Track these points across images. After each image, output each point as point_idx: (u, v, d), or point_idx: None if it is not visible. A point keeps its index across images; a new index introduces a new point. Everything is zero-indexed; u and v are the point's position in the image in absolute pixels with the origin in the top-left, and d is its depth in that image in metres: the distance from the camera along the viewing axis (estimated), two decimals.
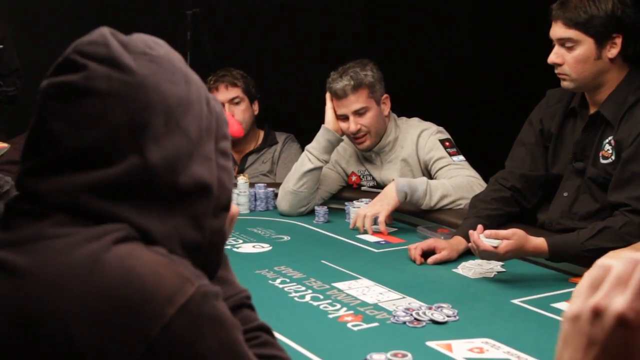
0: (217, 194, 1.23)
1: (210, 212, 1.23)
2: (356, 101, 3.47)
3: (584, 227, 2.64)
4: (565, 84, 2.79)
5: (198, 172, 1.20)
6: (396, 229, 3.30)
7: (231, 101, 4.00)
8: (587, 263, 2.52)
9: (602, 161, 2.76)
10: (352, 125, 3.49)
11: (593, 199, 2.80)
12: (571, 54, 2.72)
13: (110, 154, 1.14)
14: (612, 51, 2.70)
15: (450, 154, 3.46)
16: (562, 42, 2.73)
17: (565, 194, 2.88)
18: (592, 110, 2.83)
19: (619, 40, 2.68)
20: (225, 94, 4.00)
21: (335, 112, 3.52)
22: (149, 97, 1.16)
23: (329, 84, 3.51)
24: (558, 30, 2.74)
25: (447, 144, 3.50)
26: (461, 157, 3.47)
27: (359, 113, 3.48)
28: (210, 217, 1.23)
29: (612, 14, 2.66)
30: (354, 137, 3.55)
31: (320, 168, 3.54)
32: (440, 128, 3.60)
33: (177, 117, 1.19)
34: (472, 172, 3.40)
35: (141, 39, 1.23)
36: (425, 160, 3.50)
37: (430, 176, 3.47)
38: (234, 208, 1.34)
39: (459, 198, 3.28)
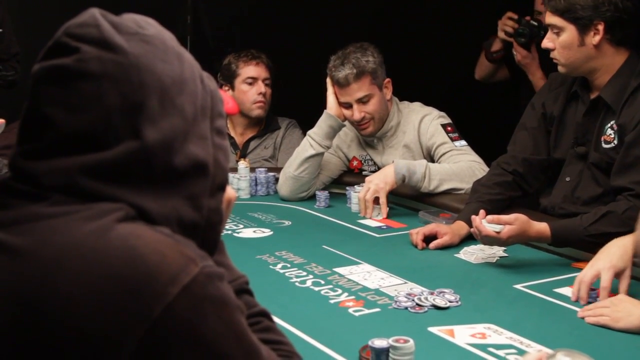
0: (213, 173, 1.23)
1: (207, 192, 1.22)
2: (359, 89, 3.44)
3: (587, 212, 2.62)
4: (559, 68, 2.81)
5: (194, 152, 1.19)
6: (390, 216, 3.27)
7: (264, 80, 4.06)
8: (590, 248, 2.53)
9: (604, 146, 2.74)
10: (356, 113, 3.46)
11: (596, 184, 2.79)
12: (558, 39, 2.73)
13: (106, 136, 1.13)
14: (596, 38, 2.69)
15: (453, 139, 3.43)
16: (551, 28, 2.75)
17: (568, 179, 2.87)
18: (593, 95, 2.81)
19: (601, 27, 2.67)
20: (264, 72, 4.07)
21: (337, 97, 3.50)
22: (143, 78, 1.15)
23: (330, 71, 3.48)
24: (547, 17, 2.77)
25: (449, 128, 3.48)
26: (463, 142, 3.44)
27: (362, 101, 3.45)
28: (207, 196, 1.22)
29: (593, 1, 2.65)
30: (358, 124, 3.52)
31: (321, 154, 3.52)
32: (442, 113, 3.57)
33: (172, 97, 1.17)
34: (474, 157, 3.38)
35: (132, 19, 1.21)
36: (428, 146, 3.48)
37: (433, 162, 3.45)
38: (231, 192, 1.33)
39: (459, 183, 3.26)
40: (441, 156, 3.42)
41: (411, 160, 3.34)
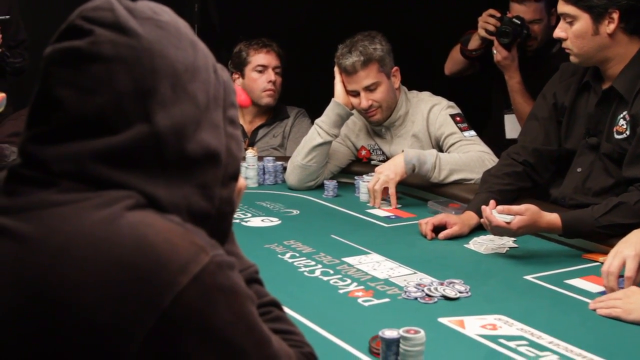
0: (226, 163, 1.21)
1: (219, 181, 1.21)
2: (366, 77, 3.42)
3: (598, 203, 2.60)
4: (571, 58, 2.78)
5: (206, 140, 1.18)
6: (401, 206, 3.26)
7: (274, 69, 4.04)
8: (602, 239, 2.52)
9: (616, 136, 2.72)
10: (364, 101, 3.44)
11: (607, 175, 2.77)
12: (571, 29, 2.70)
13: (117, 120, 1.11)
14: (610, 26, 2.66)
15: (462, 129, 3.41)
16: (564, 17, 2.72)
17: (579, 170, 2.85)
18: (605, 85, 2.79)
19: (616, 16, 2.65)
20: (274, 60, 4.05)
21: (344, 86, 3.48)
22: (156, 62, 1.13)
23: (337, 59, 3.46)
24: (559, 6, 2.74)
25: (458, 119, 3.46)
26: (472, 133, 3.43)
27: (369, 89, 3.44)
28: (219, 186, 1.21)
29: None
30: (365, 112, 3.50)
31: (329, 142, 3.51)
32: (451, 103, 3.55)
33: (184, 83, 1.16)
34: (483, 148, 3.36)
35: (146, 5, 1.20)
36: (437, 136, 3.46)
37: (441, 152, 3.43)
38: (241, 181, 1.32)
39: (469, 173, 3.25)
40: (450, 146, 3.40)
41: (421, 150, 3.32)
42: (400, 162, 3.22)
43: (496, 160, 3.21)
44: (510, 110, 3.92)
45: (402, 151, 3.28)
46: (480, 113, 3.56)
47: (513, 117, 3.92)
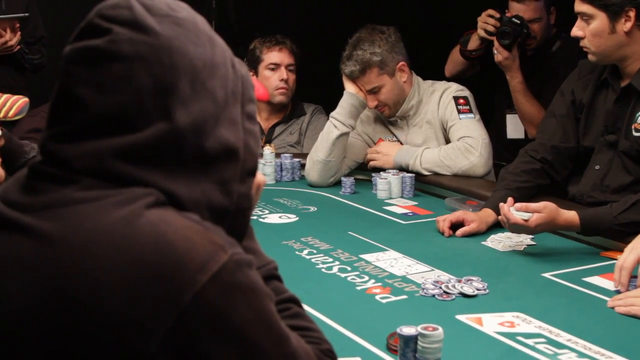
0: (244, 158, 1.22)
1: (237, 177, 1.21)
2: (368, 82, 3.46)
3: (616, 201, 2.59)
4: (589, 56, 2.78)
5: (225, 136, 1.18)
6: (417, 203, 3.27)
7: (287, 67, 4.04)
8: (620, 237, 2.51)
9: (635, 134, 2.71)
10: (370, 102, 3.51)
11: (626, 172, 2.75)
12: (588, 28, 2.69)
13: (137, 118, 1.12)
14: (627, 25, 2.65)
15: (460, 112, 3.46)
16: (581, 16, 2.71)
17: (597, 167, 2.83)
18: (624, 82, 2.78)
19: (632, 14, 2.64)
20: (287, 58, 4.06)
21: None
22: (174, 60, 1.14)
23: (341, 66, 3.50)
24: (576, 5, 2.73)
25: (460, 101, 3.49)
26: (470, 115, 3.46)
27: (372, 92, 3.47)
28: (237, 181, 1.21)
29: None
30: (376, 107, 3.54)
31: (347, 134, 3.52)
32: (462, 87, 3.58)
33: (203, 80, 1.16)
34: (471, 133, 3.39)
35: (164, 2, 1.20)
36: (444, 120, 3.51)
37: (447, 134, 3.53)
38: (260, 177, 1.32)
39: (443, 169, 3.38)
40: (449, 130, 3.48)
41: (411, 150, 3.47)
42: (393, 154, 3.51)
43: (479, 147, 3.33)
44: (512, 110, 3.93)
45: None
46: (482, 113, 3.56)
47: (515, 117, 3.93)
